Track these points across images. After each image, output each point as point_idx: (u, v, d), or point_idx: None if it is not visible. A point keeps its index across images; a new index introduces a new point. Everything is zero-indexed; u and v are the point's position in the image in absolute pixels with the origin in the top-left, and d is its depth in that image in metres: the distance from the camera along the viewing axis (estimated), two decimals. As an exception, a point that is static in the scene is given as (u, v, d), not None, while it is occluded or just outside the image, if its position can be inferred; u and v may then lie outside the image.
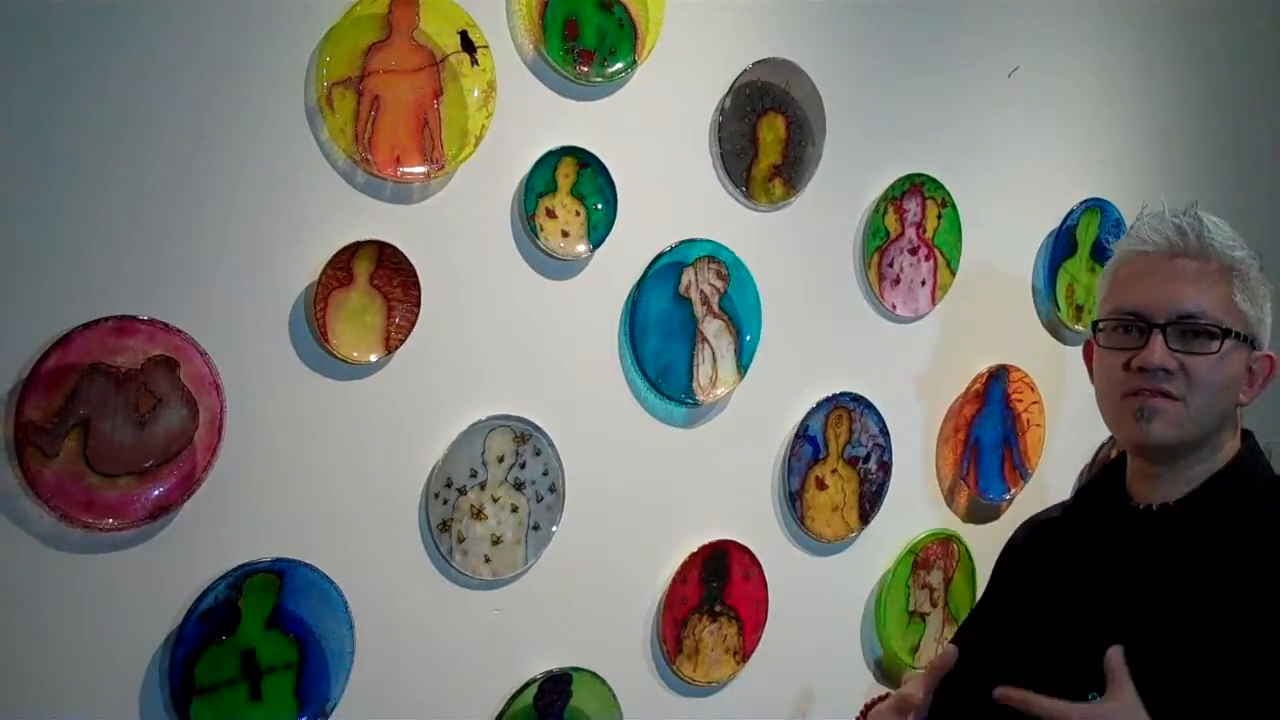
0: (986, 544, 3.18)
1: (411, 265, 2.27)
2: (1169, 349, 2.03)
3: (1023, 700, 1.87)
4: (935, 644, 3.09)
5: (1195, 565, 2.06)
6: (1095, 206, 3.33)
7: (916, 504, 3.10)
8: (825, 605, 2.96)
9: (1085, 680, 2.02)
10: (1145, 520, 2.12)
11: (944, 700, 2.19)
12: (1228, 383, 2.06)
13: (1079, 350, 3.35)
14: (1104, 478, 2.24)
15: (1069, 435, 3.36)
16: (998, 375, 3.18)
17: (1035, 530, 2.36)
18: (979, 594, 3.12)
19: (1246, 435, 2.16)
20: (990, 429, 3.19)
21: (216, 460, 2.10)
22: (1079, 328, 3.32)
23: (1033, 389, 3.25)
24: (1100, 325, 2.13)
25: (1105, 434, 3.40)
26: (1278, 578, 2.01)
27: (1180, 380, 2.03)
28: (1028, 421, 3.25)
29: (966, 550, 3.15)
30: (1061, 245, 3.28)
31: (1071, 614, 2.15)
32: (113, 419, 2.01)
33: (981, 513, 3.22)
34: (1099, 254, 3.35)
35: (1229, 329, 2.03)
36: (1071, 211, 3.28)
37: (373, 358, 2.25)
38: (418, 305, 2.28)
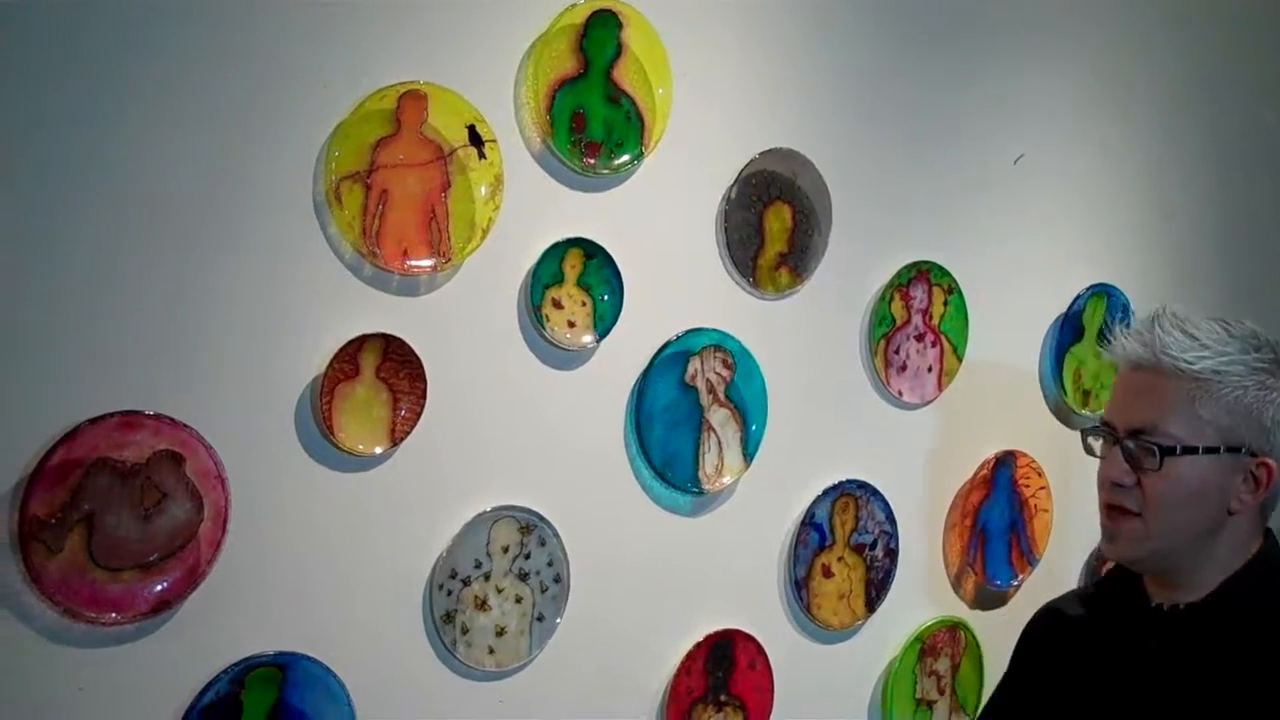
0: (994, 630, 3.17)
1: (418, 357, 2.28)
2: (1126, 464, 2.06)
3: None
4: (943, 733, 3.08)
5: (1217, 668, 2.05)
6: (1102, 291, 3.33)
7: (923, 591, 3.08)
8: (832, 693, 2.94)
9: None
10: (1166, 621, 2.11)
11: None
12: (1193, 497, 2.06)
13: (1087, 435, 3.37)
14: (1121, 573, 2.24)
15: (1077, 521, 3.34)
16: (1005, 461, 3.17)
17: (1053, 620, 2.36)
18: (987, 680, 3.13)
19: (1268, 534, 2.16)
20: (997, 515, 3.18)
21: (220, 554, 2.10)
22: (1086, 412, 3.32)
23: (1040, 475, 3.24)
24: (1089, 432, 2.18)
25: (1113, 519, 3.40)
26: None
27: (1136, 495, 2.06)
28: (1035, 507, 3.24)
29: (974, 637, 3.13)
30: (1068, 330, 3.29)
31: (1098, 714, 2.14)
32: (117, 513, 2.02)
33: (989, 599, 3.21)
34: (1106, 339, 3.35)
35: (1175, 446, 2.03)
36: (1078, 296, 3.29)
37: (378, 450, 2.26)
38: (424, 397, 2.29)
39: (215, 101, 2.10)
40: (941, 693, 3.09)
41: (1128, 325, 2.21)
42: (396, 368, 2.27)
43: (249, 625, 2.16)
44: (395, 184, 2.28)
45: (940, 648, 3.08)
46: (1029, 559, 3.25)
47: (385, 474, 2.29)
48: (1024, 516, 3.23)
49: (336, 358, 2.20)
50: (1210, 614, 2.09)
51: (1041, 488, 3.25)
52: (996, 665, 3.12)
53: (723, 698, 2.72)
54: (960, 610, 3.15)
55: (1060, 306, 3.29)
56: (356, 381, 2.24)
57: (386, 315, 2.28)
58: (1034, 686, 2.30)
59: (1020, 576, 3.23)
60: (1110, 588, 2.29)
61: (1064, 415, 3.33)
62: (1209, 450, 2.05)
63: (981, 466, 3.14)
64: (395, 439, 2.28)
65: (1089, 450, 2.19)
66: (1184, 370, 2.04)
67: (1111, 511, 2.10)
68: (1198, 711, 2.04)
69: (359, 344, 2.23)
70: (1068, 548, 3.35)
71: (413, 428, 2.29)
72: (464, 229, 2.33)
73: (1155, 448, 2.04)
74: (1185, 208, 3.59)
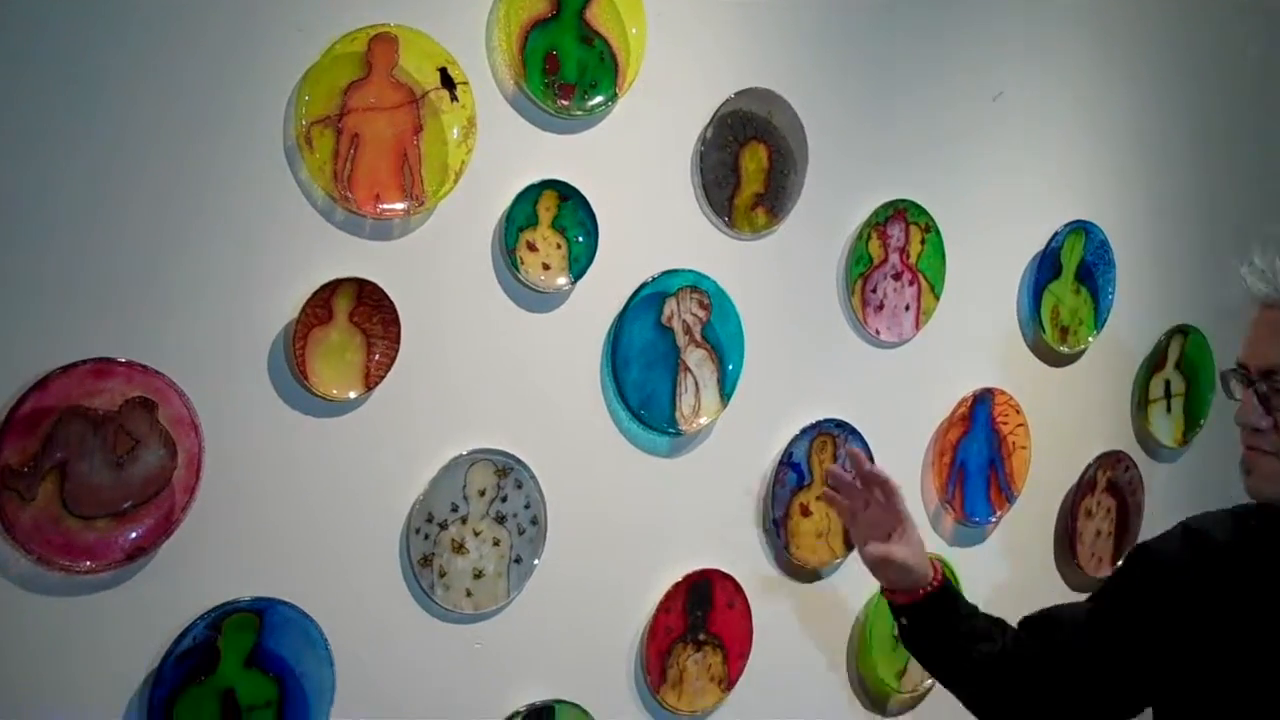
0: (972, 566, 3.19)
1: (391, 301, 2.27)
2: (1259, 405, 2.00)
3: None
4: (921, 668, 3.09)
5: None
6: (1080, 228, 3.33)
7: (902, 528, 3.09)
8: (810, 631, 2.96)
9: None
10: None
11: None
12: None
13: (1066, 371, 3.38)
14: None
15: (1055, 457, 3.36)
16: (983, 398, 3.18)
17: (1196, 538, 2.25)
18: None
19: None
20: (976, 452, 3.19)
21: (195, 500, 2.10)
22: (1064, 349, 3.32)
23: (1018, 411, 3.25)
24: (1228, 373, 2.10)
25: (1091, 454, 3.42)
26: None
27: (1273, 437, 2.00)
28: (1013, 444, 3.25)
29: (952, 573, 3.14)
30: (1046, 268, 3.28)
31: (1261, 654, 2.10)
32: (90, 461, 2.01)
33: (967, 536, 3.22)
34: (1084, 276, 3.35)
35: None
36: (1056, 234, 3.28)
37: (352, 395, 2.25)
38: (397, 341, 2.28)
39: (186, 48, 2.08)
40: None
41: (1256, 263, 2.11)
42: (370, 312, 2.26)
43: (225, 571, 2.16)
44: (366, 128, 2.26)
45: (918, 585, 3.09)
46: (1007, 495, 3.26)
47: (360, 419, 2.29)
48: (1002, 453, 3.24)
49: (309, 303, 2.19)
50: None
51: (1020, 425, 3.26)
52: (976, 600, 3.14)
53: (701, 636, 2.73)
54: (939, 546, 3.16)
55: (1038, 244, 3.28)
56: (330, 326, 2.23)
57: (359, 260, 2.27)
58: (1164, 603, 2.24)
59: (998, 513, 3.24)
60: (1273, 522, 2.23)
61: (1042, 352, 3.33)
62: None
63: (959, 404, 3.14)
64: (369, 384, 2.27)
65: (1229, 394, 2.12)
66: None
67: (1249, 451, 2.04)
68: None
69: (332, 289, 2.22)
70: (1046, 484, 3.36)
71: (387, 372, 2.28)
72: (437, 172, 2.32)
73: None
74: (1164, 144, 3.58)
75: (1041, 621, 2.36)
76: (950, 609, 2.29)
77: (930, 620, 2.28)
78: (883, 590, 2.34)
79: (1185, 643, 2.14)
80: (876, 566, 2.28)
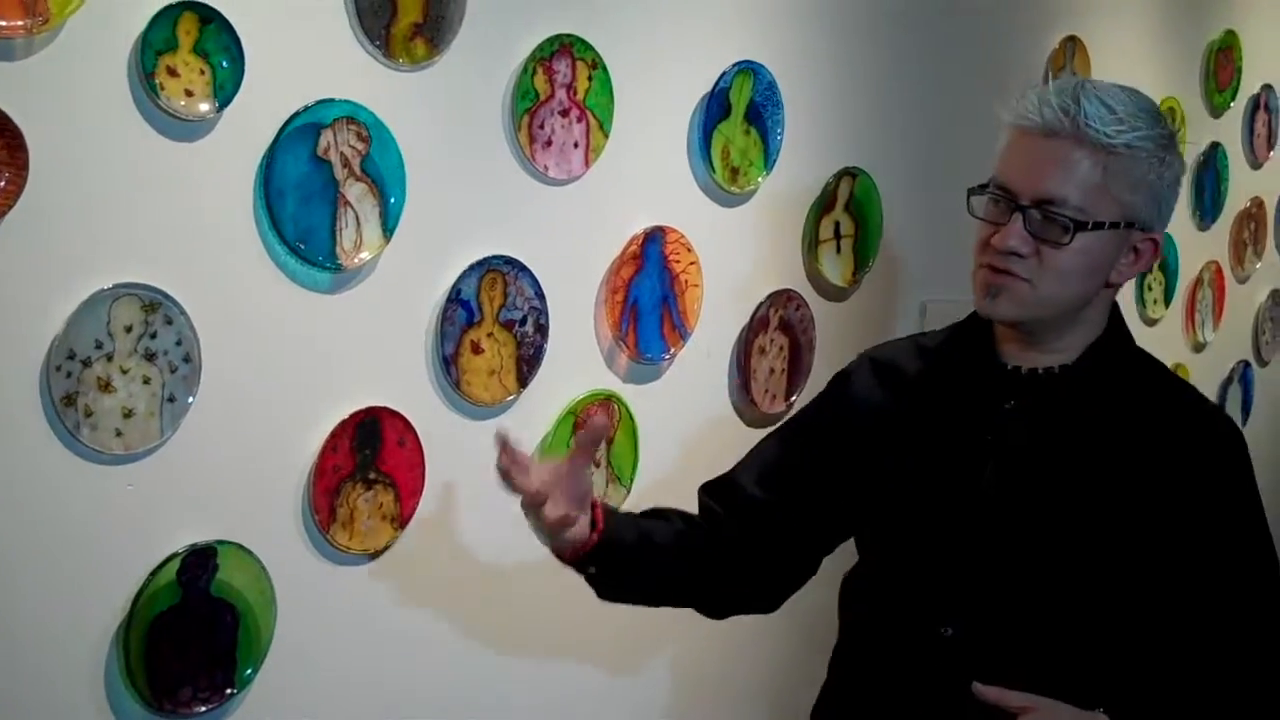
0: (647, 403, 3.24)
1: (15, 125, 2.14)
2: (1026, 232, 2.05)
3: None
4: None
5: (1084, 429, 2.12)
6: (748, 69, 3.37)
7: (576, 366, 3.11)
8: (486, 469, 2.91)
9: (967, 524, 2.13)
10: (1027, 383, 2.16)
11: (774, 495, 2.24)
12: (1088, 270, 2.10)
13: (737, 211, 3.44)
14: (967, 333, 2.26)
15: (728, 296, 3.42)
16: (654, 236, 3.21)
17: (882, 369, 2.36)
18: (641, 452, 3.19)
19: (1115, 306, 2.22)
20: (649, 290, 3.23)
21: None
22: (734, 190, 3.37)
23: (690, 250, 3.29)
24: (975, 192, 2.14)
25: (763, 293, 3.49)
26: (1162, 452, 2.10)
27: (1033, 264, 2.07)
28: (686, 282, 3.30)
29: (628, 410, 3.19)
30: (715, 108, 3.32)
31: (947, 464, 2.17)
32: None
33: (642, 373, 3.27)
34: (753, 117, 3.40)
35: (1087, 221, 2.05)
36: (724, 74, 3.31)
37: (-27, 223, 2.14)
38: (25, 168, 2.16)
39: None
40: (597, 465, 3.15)
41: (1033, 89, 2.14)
42: (-8, 137, 2.14)
43: None
44: (-22, -64, 2.11)
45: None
46: (681, 332, 3.31)
47: (-13, 251, 2.17)
48: (675, 291, 3.28)
49: (-79, 125, 2.06)
50: (1078, 377, 2.14)
51: (692, 263, 3.30)
52: (651, 437, 3.21)
53: (371, 475, 2.70)
54: (614, 384, 3.20)
55: (707, 84, 3.31)
56: (-55, 151, 2.11)
57: (-22, 81, 2.14)
58: (852, 431, 2.30)
59: (673, 350, 3.29)
60: (954, 346, 2.29)
61: (713, 192, 3.36)
62: (1112, 225, 2.08)
63: (630, 242, 3.16)
64: (-5, 213, 2.16)
65: (971, 210, 2.17)
66: (1102, 144, 2.04)
67: (1001, 275, 2.10)
68: (1060, 471, 2.12)
69: (-54, 111, 2.09)
70: (719, 322, 3.42)
71: (15, 201, 2.16)
72: (61, -13, 2.19)
73: (1070, 222, 2.04)
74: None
75: (721, 484, 2.42)
76: (625, 531, 2.25)
77: (617, 552, 2.21)
78: (557, 554, 2.22)
79: (874, 464, 2.24)
80: (556, 528, 2.11)
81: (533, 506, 2.09)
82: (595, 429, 2.22)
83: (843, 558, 2.51)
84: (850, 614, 2.37)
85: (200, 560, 2.44)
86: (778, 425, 2.54)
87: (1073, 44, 4.47)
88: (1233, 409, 5.41)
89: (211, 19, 2.36)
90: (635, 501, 3.11)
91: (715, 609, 2.44)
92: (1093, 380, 2.17)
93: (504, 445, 2.11)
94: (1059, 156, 2.07)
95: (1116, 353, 2.21)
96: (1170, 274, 4.98)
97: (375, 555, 2.74)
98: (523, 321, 2.95)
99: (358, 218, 2.63)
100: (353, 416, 2.65)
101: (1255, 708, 2.12)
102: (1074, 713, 2.00)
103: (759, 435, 2.61)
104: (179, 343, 2.39)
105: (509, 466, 2.10)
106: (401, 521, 2.76)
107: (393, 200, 2.67)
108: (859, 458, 2.30)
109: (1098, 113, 2.05)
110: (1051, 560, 2.11)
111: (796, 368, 3.62)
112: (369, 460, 2.69)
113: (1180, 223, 5.05)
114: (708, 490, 2.44)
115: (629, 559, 2.21)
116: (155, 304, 2.35)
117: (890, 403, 2.32)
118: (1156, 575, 2.11)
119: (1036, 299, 2.10)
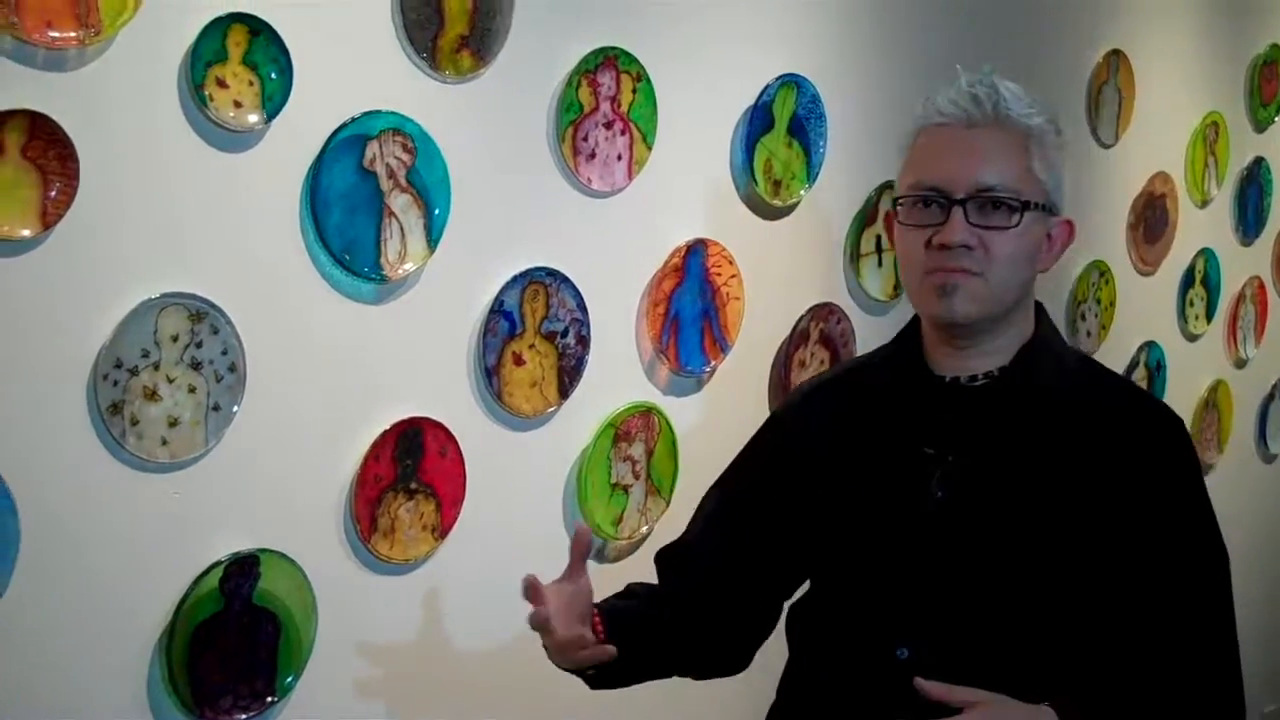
0: (688, 416, 3.25)
1: (67, 136, 2.16)
2: (969, 225, 2.04)
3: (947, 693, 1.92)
4: (638, 514, 3.14)
5: (1021, 437, 2.10)
6: (791, 82, 3.37)
7: (617, 378, 3.12)
8: (526, 480, 2.98)
9: (907, 542, 2.10)
10: (960, 393, 2.14)
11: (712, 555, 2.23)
12: (1028, 255, 2.07)
13: (779, 224, 3.44)
14: (898, 348, 2.25)
15: (768, 308, 3.42)
16: (696, 249, 3.21)
17: (814, 399, 2.34)
18: (682, 464, 3.20)
19: (1039, 305, 2.20)
20: (690, 303, 3.23)
21: None
22: (777, 202, 3.38)
23: (731, 263, 3.29)
24: (900, 201, 2.11)
25: (804, 306, 3.49)
26: (1106, 453, 2.08)
27: (980, 256, 2.04)
28: (727, 295, 3.30)
29: (668, 422, 3.19)
30: (758, 121, 3.32)
31: (890, 484, 2.15)
32: None
33: (682, 385, 3.27)
34: (796, 130, 3.40)
35: (1028, 201, 2.04)
36: (767, 87, 3.32)
37: (26, 233, 2.15)
38: (76, 178, 2.18)
39: None
40: (636, 477, 3.15)
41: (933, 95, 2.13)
42: (45, 147, 2.15)
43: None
44: (33, -51, 2.13)
45: (634, 433, 3.13)
46: (721, 345, 3.31)
47: (38, 259, 2.18)
48: (716, 304, 3.28)
49: (-24, 136, 2.08)
50: (1014, 383, 2.12)
51: (733, 276, 3.30)
52: (691, 449, 3.21)
53: (413, 485, 2.71)
54: (654, 396, 3.20)
55: (750, 97, 3.31)
56: (1, 161, 2.12)
57: (32, 92, 2.15)
58: (790, 466, 2.28)
59: (713, 362, 3.30)
60: (886, 359, 2.28)
61: (755, 204, 3.37)
62: (1039, 207, 2.07)
63: (673, 254, 3.17)
64: (47, 222, 2.17)
65: (901, 221, 2.11)
66: (1021, 126, 2.04)
67: (949, 272, 2.05)
68: (1005, 481, 2.09)
69: (1, 122, 2.10)
70: (760, 335, 3.42)
71: (65, 210, 2.18)
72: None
73: (1017, 204, 2.03)
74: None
75: (672, 550, 2.39)
76: (620, 633, 2.16)
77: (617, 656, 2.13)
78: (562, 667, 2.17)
79: (816, 495, 2.22)
80: (567, 648, 2.06)
81: (540, 627, 2.07)
82: (583, 542, 2.18)
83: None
84: (800, 637, 2.33)
85: (243, 569, 2.45)
86: (720, 474, 2.48)
87: (1116, 58, 4.46)
88: (1276, 427, 5.37)
89: (260, 31, 2.38)
90: (675, 512, 3.11)
91: (694, 673, 2.41)
92: (1029, 384, 2.14)
93: (534, 589, 2.06)
94: (986, 144, 2.05)
95: (1049, 353, 2.18)
96: (1212, 289, 4.94)
97: (416, 565, 2.75)
98: (564, 333, 2.96)
99: (402, 229, 2.64)
100: (395, 426, 2.66)
101: (1200, 699, 2.09)
102: (1020, 707, 1.98)
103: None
104: (224, 352, 2.40)
105: (534, 607, 2.05)
106: (442, 531, 2.77)
107: (437, 211, 2.68)
108: (800, 491, 2.26)
109: (1013, 97, 2.06)
110: (1003, 573, 2.08)
111: (836, 381, 3.60)
112: (411, 470, 2.70)
113: (1223, 238, 5.02)
114: (660, 558, 2.40)
115: (621, 655, 2.13)
116: (201, 313, 2.36)
117: (827, 430, 2.27)
118: (1109, 578, 2.07)
119: (990, 292, 2.05)
